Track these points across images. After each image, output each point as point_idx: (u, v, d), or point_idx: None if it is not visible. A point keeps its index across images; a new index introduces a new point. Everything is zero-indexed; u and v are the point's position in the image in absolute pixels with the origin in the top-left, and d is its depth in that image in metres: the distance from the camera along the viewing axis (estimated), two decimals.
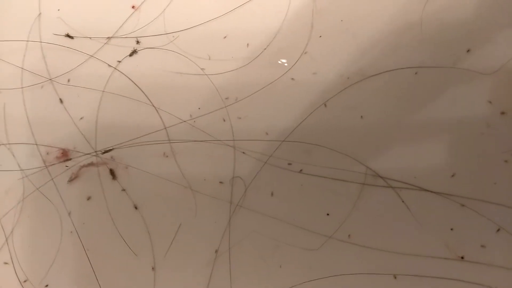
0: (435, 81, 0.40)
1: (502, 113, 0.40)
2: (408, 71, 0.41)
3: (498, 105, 0.40)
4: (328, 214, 0.40)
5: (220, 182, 0.41)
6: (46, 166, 0.40)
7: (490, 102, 0.40)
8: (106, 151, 0.40)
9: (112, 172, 0.40)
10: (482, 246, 0.38)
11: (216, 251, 0.39)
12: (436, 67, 0.40)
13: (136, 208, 0.40)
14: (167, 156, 0.41)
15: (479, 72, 0.40)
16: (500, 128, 0.40)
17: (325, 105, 0.41)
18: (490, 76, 0.40)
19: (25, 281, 0.39)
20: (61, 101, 0.41)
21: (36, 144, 0.41)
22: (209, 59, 0.42)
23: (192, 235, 0.40)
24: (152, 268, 0.39)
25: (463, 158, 0.40)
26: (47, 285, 0.39)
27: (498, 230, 0.38)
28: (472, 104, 0.40)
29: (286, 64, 0.41)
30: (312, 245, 0.39)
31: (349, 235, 0.39)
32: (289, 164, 0.41)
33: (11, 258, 0.39)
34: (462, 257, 0.38)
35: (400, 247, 0.39)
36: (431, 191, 0.39)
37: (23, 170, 0.40)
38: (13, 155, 0.41)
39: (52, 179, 0.40)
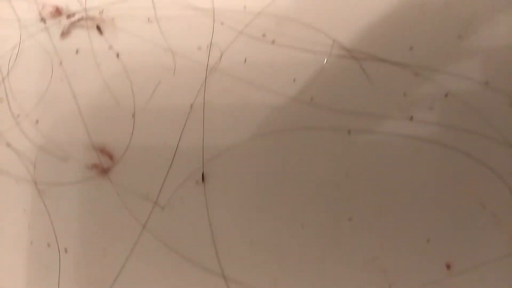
0: None
1: None
2: None
3: None
4: (294, 80, 0.47)
5: (198, 48, 0.48)
6: (42, 18, 0.48)
7: None
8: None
9: (98, 28, 0.47)
10: (430, 108, 0.45)
11: (191, 105, 0.47)
12: None
13: (118, 56, 0.47)
14: (151, 21, 0.48)
15: None
16: (457, 7, 0.46)
17: None
18: None
19: (18, 116, 0.47)
20: None
21: (35, 1, 0.48)
22: None
23: (170, 91, 0.46)
24: (132, 115, 0.47)
25: (421, 33, 0.46)
26: (37, 120, 0.46)
27: (446, 95, 0.45)
28: None
29: None
30: (277, 105, 0.46)
31: (311, 98, 0.46)
32: (263, 35, 0.48)
33: (6, 95, 0.47)
34: (411, 117, 0.45)
35: (356, 108, 0.46)
36: (390, 62, 0.46)
37: (20, 20, 0.48)
38: (13, 9, 0.48)
39: (46, 29, 0.48)
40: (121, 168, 0.43)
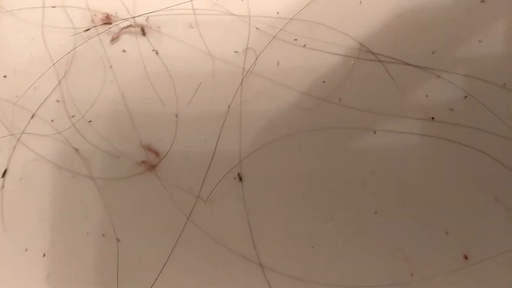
0: None
1: (482, 1, 0.46)
2: None
3: None
4: (324, 82, 0.47)
5: (235, 52, 0.48)
6: (94, 25, 0.49)
7: None
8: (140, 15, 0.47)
9: (142, 30, 0.48)
10: (451, 109, 0.45)
11: (229, 106, 0.47)
12: None
13: (162, 59, 0.48)
14: (192, 27, 0.49)
15: None
16: (478, 13, 0.46)
17: None
18: None
19: (72, 116, 0.48)
20: None
21: (88, 9, 0.49)
22: None
23: (209, 92, 0.47)
24: (176, 115, 0.48)
25: (443, 38, 0.46)
26: (90, 121, 0.48)
27: (466, 96, 0.45)
28: None
29: None
30: (308, 105, 0.47)
31: (340, 99, 0.47)
32: (295, 39, 0.48)
33: (62, 97, 0.48)
34: (433, 118, 0.45)
35: (381, 109, 0.46)
36: (413, 65, 0.46)
37: (75, 28, 0.49)
38: (68, 16, 0.49)
39: (98, 34, 0.48)
40: (167, 164, 0.44)
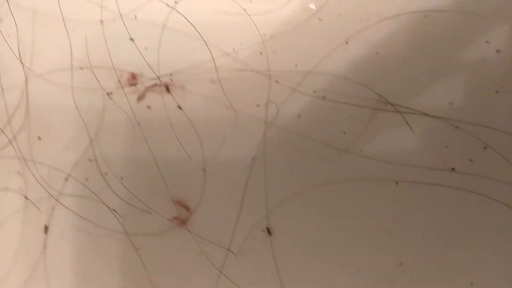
0: (442, 23, 0.47)
1: (497, 51, 0.46)
2: (419, 14, 0.47)
3: (494, 44, 0.46)
4: (344, 133, 0.48)
5: (257, 105, 0.49)
6: (121, 86, 0.49)
7: (487, 41, 0.46)
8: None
9: (167, 87, 0.49)
10: (470, 160, 0.46)
11: (253, 158, 0.48)
12: (444, 11, 0.47)
13: (187, 115, 0.49)
14: (214, 82, 0.49)
15: (480, 15, 0.46)
16: (494, 64, 0.46)
17: (347, 42, 0.48)
18: (489, 19, 0.46)
19: (105, 174, 0.49)
20: (131, 38, 0.50)
21: (114, 69, 0.50)
22: (250, 1, 0.49)
23: (234, 145, 0.48)
24: (203, 170, 0.49)
25: (460, 89, 0.46)
26: (122, 177, 0.49)
27: (485, 147, 0.45)
28: (471, 43, 0.46)
29: (314, 8, 0.48)
30: (329, 155, 0.47)
31: (360, 149, 0.47)
32: (314, 91, 0.48)
33: (95, 156, 0.49)
34: (453, 169, 0.46)
35: (402, 160, 0.46)
36: (432, 116, 0.47)
37: (103, 88, 0.50)
38: (96, 77, 0.50)
39: (124, 94, 0.49)
40: (197, 218, 0.45)
